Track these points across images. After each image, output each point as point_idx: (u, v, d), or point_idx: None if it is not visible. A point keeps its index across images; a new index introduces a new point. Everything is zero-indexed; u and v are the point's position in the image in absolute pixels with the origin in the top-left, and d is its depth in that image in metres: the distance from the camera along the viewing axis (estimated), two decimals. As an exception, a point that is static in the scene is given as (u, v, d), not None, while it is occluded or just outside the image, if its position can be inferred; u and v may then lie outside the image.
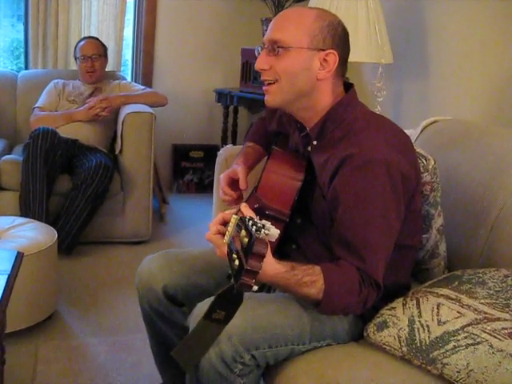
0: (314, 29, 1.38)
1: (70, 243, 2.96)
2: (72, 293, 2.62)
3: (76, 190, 2.94)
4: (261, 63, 1.41)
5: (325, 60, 1.39)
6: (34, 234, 2.32)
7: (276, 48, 1.38)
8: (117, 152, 3.19)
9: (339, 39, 1.40)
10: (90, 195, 2.93)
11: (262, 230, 1.01)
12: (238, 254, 1.04)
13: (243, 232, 1.04)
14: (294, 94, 1.42)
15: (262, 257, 0.98)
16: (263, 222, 1.06)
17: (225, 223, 1.25)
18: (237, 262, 1.03)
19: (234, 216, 1.18)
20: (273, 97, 1.43)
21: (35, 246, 2.21)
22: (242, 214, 1.19)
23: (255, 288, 1.01)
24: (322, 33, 1.38)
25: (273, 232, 1.04)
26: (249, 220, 1.05)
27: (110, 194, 3.08)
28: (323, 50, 1.38)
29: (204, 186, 4.30)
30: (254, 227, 1.02)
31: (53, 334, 2.28)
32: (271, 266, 1.21)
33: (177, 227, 3.63)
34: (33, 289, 2.21)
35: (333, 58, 1.39)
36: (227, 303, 1.10)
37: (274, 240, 1.05)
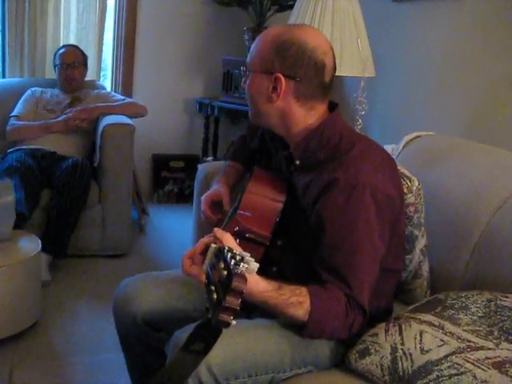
0: (265, 51, 1.37)
1: (63, 245, 2.90)
2: (49, 309, 2.56)
3: (59, 193, 2.86)
4: (242, 82, 1.48)
5: (275, 83, 1.37)
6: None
7: (246, 70, 1.44)
8: (95, 164, 3.12)
9: (293, 60, 1.35)
10: (73, 192, 2.85)
11: (241, 264, 0.98)
12: (216, 286, 1.01)
13: (222, 264, 1.01)
14: (259, 114, 1.44)
15: (240, 294, 0.94)
16: (242, 253, 1.02)
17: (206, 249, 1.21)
18: (215, 296, 0.99)
19: (212, 245, 1.15)
20: (249, 113, 1.48)
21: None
22: (222, 242, 1.16)
23: (234, 323, 0.97)
24: (271, 55, 1.36)
25: (252, 266, 1.01)
26: (227, 252, 1.02)
27: (88, 205, 3.01)
28: (272, 73, 1.36)
29: (184, 196, 4.25)
30: (233, 260, 0.99)
31: (28, 353, 2.22)
32: (257, 285, 1.19)
33: (157, 238, 3.58)
34: (13, 299, 2.18)
35: (280, 81, 1.36)
36: (206, 335, 1.07)
37: (253, 273, 1.02)
